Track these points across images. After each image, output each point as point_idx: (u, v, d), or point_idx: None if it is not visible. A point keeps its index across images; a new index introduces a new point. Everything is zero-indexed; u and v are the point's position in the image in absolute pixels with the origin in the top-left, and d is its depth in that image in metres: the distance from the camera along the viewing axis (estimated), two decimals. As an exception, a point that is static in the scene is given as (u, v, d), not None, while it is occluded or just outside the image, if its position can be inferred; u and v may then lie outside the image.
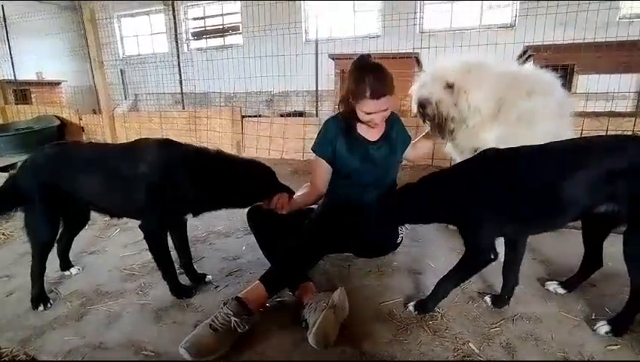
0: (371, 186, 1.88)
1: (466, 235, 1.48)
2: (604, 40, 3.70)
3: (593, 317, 1.47)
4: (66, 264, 1.94)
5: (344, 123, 1.84)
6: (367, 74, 1.66)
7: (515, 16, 7.28)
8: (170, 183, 1.54)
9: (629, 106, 4.27)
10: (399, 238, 1.97)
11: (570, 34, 3.96)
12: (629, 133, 3.08)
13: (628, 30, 3.82)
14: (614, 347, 1.31)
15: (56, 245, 1.86)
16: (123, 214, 1.74)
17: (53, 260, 1.87)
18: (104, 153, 1.68)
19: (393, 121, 1.90)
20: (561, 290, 1.64)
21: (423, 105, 1.90)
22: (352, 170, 1.86)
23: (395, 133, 1.91)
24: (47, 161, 1.63)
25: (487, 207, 1.41)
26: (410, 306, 1.55)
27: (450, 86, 1.85)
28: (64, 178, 1.59)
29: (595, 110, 3.90)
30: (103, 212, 1.73)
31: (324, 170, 1.88)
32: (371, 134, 1.85)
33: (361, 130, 1.84)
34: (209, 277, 1.84)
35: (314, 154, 1.89)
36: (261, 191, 1.68)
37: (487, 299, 1.58)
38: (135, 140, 1.71)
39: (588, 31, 3.65)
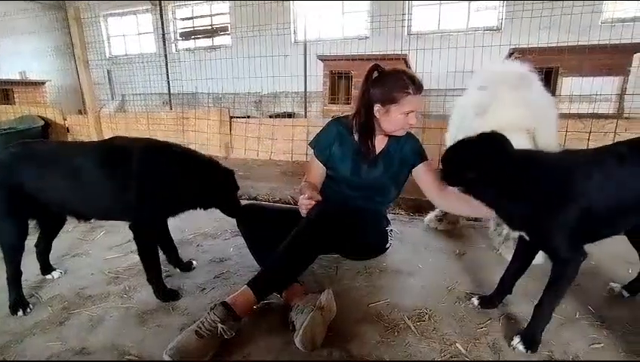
0: (363, 199, 1.88)
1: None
2: (587, 43, 3.79)
3: (577, 316, 1.49)
4: (46, 267, 1.88)
5: (349, 131, 1.84)
6: (398, 73, 1.65)
7: (502, 19, 7.39)
8: (160, 179, 1.54)
9: (611, 108, 4.36)
10: (388, 244, 1.95)
11: (554, 37, 4.06)
12: (611, 134, 3.16)
13: (610, 33, 3.91)
14: (598, 346, 1.33)
15: (35, 249, 1.83)
16: (96, 216, 1.70)
17: (33, 263, 1.83)
18: (74, 152, 1.61)
19: (402, 139, 1.82)
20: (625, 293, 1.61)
21: None
22: (342, 178, 1.87)
23: (399, 151, 1.83)
24: (10, 161, 1.56)
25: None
26: (519, 345, 1.31)
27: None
28: (29, 179, 1.53)
29: (579, 112, 3.99)
30: (73, 214, 1.66)
31: (318, 171, 1.88)
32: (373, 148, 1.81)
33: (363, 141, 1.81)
34: (195, 262, 1.94)
35: (312, 150, 1.91)
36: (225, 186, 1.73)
37: (475, 300, 1.58)
38: (108, 138, 1.69)
39: (571, 34, 3.74)
